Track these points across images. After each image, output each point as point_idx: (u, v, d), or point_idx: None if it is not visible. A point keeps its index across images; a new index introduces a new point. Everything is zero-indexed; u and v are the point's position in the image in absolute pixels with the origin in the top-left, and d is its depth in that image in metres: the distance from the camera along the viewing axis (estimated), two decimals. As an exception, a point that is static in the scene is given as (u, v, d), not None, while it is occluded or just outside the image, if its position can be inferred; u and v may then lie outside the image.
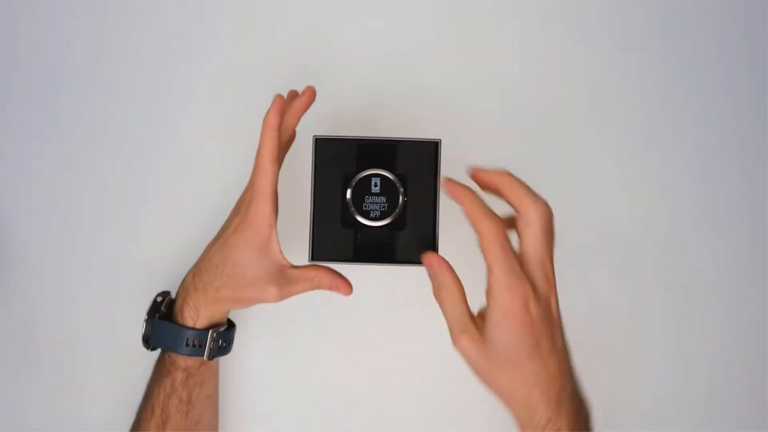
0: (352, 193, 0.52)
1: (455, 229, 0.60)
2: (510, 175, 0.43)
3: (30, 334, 0.63)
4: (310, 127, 0.62)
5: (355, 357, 0.64)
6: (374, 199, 0.52)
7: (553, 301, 0.43)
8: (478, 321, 0.43)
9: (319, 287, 0.51)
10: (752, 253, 0.64)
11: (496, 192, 0.44)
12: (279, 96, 0.50)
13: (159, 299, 0.55)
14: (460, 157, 0.62)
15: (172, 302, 0.55)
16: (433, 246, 0.51)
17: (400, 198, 0.51)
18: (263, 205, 0.49)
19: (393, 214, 0.51)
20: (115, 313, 0.63)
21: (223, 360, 0.58)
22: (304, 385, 0.64)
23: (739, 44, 0.64)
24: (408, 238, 0.51)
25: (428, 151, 0.53)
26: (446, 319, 0.44)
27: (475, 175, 0.45)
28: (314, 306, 0.63)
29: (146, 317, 0.54)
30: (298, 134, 0.59)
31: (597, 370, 0.63)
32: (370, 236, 0.52)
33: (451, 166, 0.61)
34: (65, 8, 0.64)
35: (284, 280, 0.50)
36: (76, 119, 0.64)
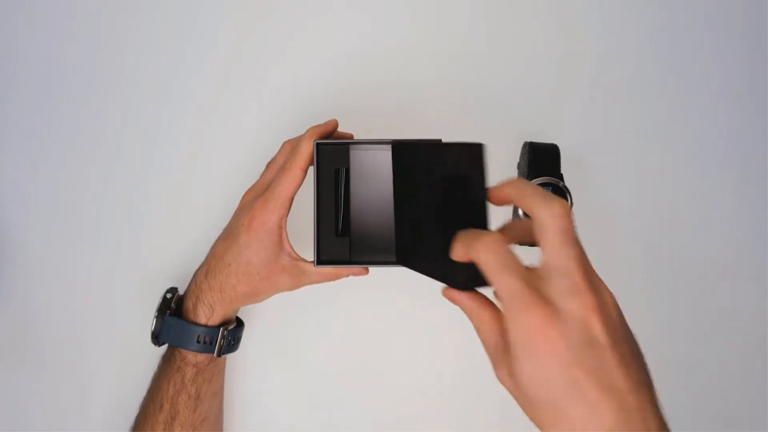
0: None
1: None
2: (521, 180, 0.38)
3: (32, 332, 0.63)
4: (308, 126, 0.62)
5: (356, 359, 0.64)
6: None
7: (596, 321, 0.32)
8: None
9: (335, 278, 0.52)
10: (752, 252, 0.65)
11: (511, 202, 0.39)
12: (335, 121, 0.53)
13: (168, 296, 0.55)
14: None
15: (181, 299, 0.55)
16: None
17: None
18: (280, 208, 0.50)
19: None
20: (116, 310, 0.63)
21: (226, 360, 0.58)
22: (304, 387, 0.64)
23: (739, 43, 0.65)
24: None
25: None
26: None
27: (489, 195, 0.40)
28: (315, 308, 0.63)
29: (156, 314, 0.54)
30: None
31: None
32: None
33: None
34: (65, 8, 0.64)
35: (298, 271, 0.51)
36: (78, 118, 0.64)
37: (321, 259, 0.55)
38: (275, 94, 0.64)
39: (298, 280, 0.52)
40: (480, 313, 0.37)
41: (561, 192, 0.55)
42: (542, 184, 0.55)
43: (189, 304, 0.53)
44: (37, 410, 0.63)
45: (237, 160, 0.64)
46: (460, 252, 0.37)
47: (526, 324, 0.32)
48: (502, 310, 0.35)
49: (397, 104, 0.64)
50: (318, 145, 0.55)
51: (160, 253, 0.64)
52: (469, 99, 0.64)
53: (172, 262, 0.63)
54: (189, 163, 0.64)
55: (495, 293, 0.36)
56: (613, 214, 0.64)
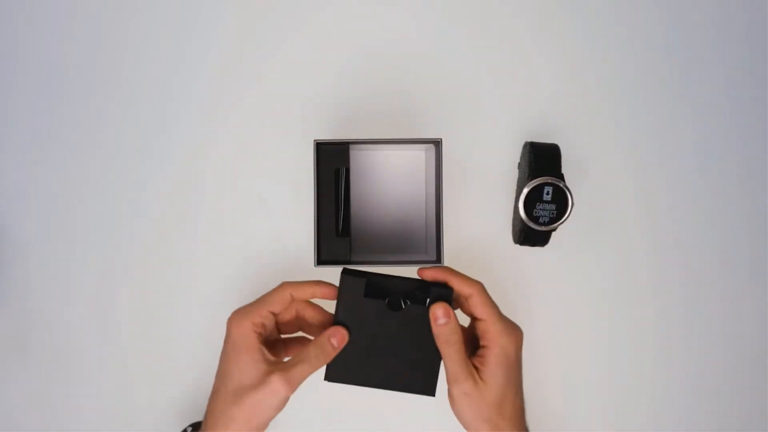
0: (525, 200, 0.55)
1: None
2: (449, 267, 0.49)
3: (31, 332, 0.63)
4: (308, 126, 0.62)
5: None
6: (545, 206, 0.55)
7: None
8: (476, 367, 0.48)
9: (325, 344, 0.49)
10: (753, 252, 0.65)
11: (442, 281, 0.49)
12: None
13: (189, 430, 0.56)
14: (460, 157, 0.63)
15: None
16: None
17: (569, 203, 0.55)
18: (256, 313, 0.48)
19: (561, 220, 0.55)
20: (115, 310, 0.63)
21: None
22: (303, 388, 0.64)
23: (739, 44, 0.65)
24: None
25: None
26: (447, 366, 0.48)
27: (422, 273, 0.50)
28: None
29: None
30: (299, 138, 0.59)
31: (595, 368, 0.64)
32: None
33: (450, 167, 0.61)
34: (65, 8, 0.64)
35: (283, 365, 0.47)
36: (78, 118, 0.64)
37: (321, 259, 0.55)
38: (275, 93, 0.64)
39: (287, 373, 0.47)
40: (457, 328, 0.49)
41: (561, 192, 0.55)
42: (542, 184, 0.55)
43: None
44: (36, 410, 0.63)
45: (237, 159, 0.64)
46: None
47: (515, 340, 0.48)
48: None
49: (398, 104, 0.64)
50: (318, 145, 0.55)
51: (160, 252, 0.63)
52: (469, 99, 0.64)
53: (171, 261, 0.63)
54: (189, 163, 0.64)
55: (487, 316, 0.48)
56: (614, 214, 0.64)
